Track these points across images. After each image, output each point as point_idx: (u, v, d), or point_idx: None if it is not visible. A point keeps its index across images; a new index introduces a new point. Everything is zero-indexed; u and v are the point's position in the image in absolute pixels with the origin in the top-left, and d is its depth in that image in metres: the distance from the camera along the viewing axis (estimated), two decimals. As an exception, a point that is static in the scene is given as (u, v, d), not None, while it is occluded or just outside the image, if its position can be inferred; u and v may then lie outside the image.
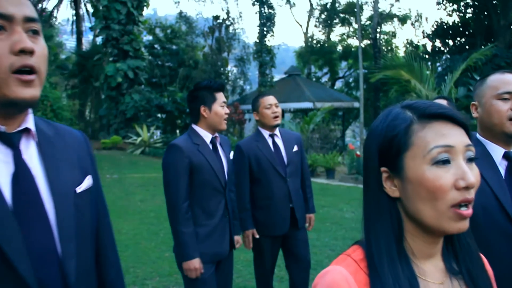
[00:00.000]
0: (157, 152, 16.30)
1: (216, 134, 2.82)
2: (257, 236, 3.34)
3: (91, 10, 22.96)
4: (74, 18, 26.86)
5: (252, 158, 3.35)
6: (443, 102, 3.66)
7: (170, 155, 2.66)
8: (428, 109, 0.91)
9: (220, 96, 2.75)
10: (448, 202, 0.86)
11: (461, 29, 18.37)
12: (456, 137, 0.89)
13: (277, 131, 3.45)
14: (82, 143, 1.43)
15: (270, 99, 3.39)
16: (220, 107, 2.73)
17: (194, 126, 2.77)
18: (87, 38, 31.03)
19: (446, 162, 0.87)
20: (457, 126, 0.90)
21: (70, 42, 36.58)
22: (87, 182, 1.36)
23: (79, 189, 1.31)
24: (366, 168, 0.99)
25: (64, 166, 1.30)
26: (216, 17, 19.64)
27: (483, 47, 14.22)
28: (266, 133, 3.44)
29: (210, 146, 2.75)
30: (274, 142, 3.42)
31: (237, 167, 3.29)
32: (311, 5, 27.11)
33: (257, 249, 3.45)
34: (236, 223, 3.03)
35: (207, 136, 2.76)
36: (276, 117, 3.38)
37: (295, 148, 3.48)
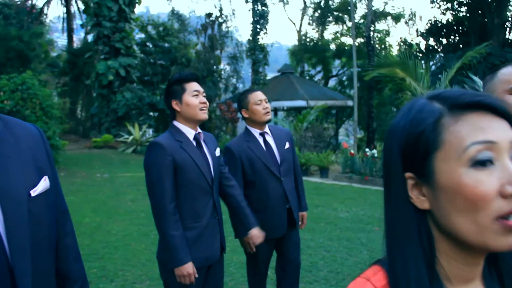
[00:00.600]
0: (149, 151, 16.00)
1: (200, 131, 2.64)
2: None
3: (82, 7, 22.68)
4: (65, 15, 26.58)
5: (245, 160, 3.16)
6: None
7: (152, 154, 2.47)
8: (461, 98, 0.73)
9: (190, 86, 2.56)
10: (492, 213, 0.68)
11: (455, 27, 18.31)
12: (498, 131, 0.70)
13: (267, 129, 3.27)
14: (37, 138, 1.25)
15: (259, 95, 3.20)
16: (191, 96, 2.54)
17: (174, 123, 2.60)
18: (79, 35, 30.79)
19: (488, 162, 0.69)
20: (499, 118, 0.72)
21: (61, 40, 36.27)
22: (44, 184, 1.18)
23: (33, 192, 1.14)
24: (387, 175, 0.80)
25: (14, 165, 1.12)
26: (209, 15, 19.47)
27: (477, 46, 14.16)
28: (256, 132, 3.24)
29: (194, 143, 2.57)
30: (265, 141, 3.24)
31: (229, 170, 3.07)
32: (305, 3, 27.01)
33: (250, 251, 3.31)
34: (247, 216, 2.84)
35: (189, 133, 2.58)
36: (267, 112, 3.20)
37: (287, 145, 3.32)
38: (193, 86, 2.57)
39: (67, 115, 21.65)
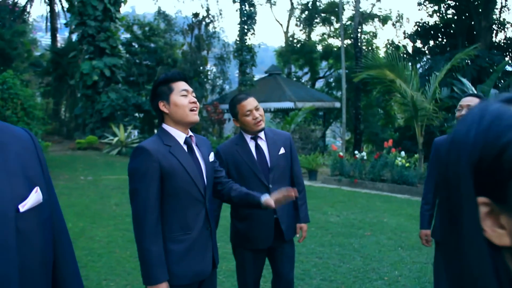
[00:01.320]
0: (134, 152, 15.77)
1: (191, 134, 2.42)
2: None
3: (66, 6, 22.28)
4: (49, 14, 26.13)
5: (231, 164, 2.99)
6: (475, 100, 3.31)
7: (137, 159, 2.25)
8: None
9: (178, 85, 2.35)
10: None
11: (442, 30, 18.34)
12: None
13: (261, 133, 3.06)
14: (27, 144, 1.08)
15: (248, 105, 2.96)
16: (180, 96, 2.32)
17: (163, 126, 2.37)
18: (63, 35, 30.28)
19: None
20: None
21: (45, 40, 35.68)
22: (35, 196, 1.00)
23: (22, 207, 0.97)
24: (448, 198, 0.61)
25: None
26: (195, 14, 19.24)
27: (464, 48, 14.17)
28: (248, 136, 3.06)
29: (185, 148, 2.35)
30: (257, 145, 3.05)
31: None
32: (292, 4, 26.91)
33: (239, 261, 3.11)
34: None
35: (180, 136, 2.35)
36: (259, 122, 2.98)
37: (282, 151, 3.09)
38: (181, 85, 2.36)
39: (50, 115, 21.25)
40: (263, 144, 3.08)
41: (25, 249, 0.96)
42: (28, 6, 25.92)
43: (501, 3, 17.46)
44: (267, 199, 2.45)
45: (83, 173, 11.85)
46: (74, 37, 21.62)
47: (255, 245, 3.01)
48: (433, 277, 3.40)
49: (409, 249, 5.76)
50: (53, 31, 25.66)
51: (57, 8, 26.42)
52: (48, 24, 26.39)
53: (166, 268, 2.18)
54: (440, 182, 0.64)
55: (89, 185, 10.24)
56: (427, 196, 3.46)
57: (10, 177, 0.97)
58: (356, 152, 12.49)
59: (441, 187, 0.64)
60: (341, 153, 12.61)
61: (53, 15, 25.75)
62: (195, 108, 2.37)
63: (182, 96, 2.33)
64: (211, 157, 2.51)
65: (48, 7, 26.01)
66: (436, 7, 18.76)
